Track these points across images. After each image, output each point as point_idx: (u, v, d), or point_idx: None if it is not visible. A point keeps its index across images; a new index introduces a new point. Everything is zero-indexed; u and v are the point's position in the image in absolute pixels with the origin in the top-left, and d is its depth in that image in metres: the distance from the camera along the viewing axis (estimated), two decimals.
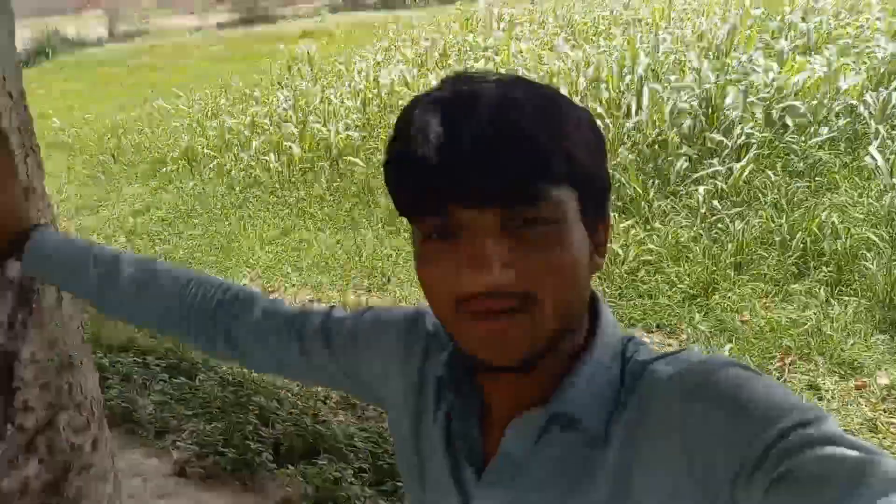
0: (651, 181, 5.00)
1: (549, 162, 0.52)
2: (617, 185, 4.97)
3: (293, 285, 4.37)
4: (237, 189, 6.17)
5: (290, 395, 3.13)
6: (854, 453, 0.45)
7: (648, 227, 4.61)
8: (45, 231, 0.90)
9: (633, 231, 4.50)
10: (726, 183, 4.79)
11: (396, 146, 0.55)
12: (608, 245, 0.62)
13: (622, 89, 6.27)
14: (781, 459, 0.46)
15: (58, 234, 0.91)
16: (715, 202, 4.64)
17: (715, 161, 5.04)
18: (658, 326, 3.83)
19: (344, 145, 6.42)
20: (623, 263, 4.27)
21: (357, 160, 6.04)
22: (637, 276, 4.19)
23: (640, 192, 4.82)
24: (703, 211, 4.62)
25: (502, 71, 0.61)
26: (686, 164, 5.07)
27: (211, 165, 6.71)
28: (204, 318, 0.83)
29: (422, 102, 0.55)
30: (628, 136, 5.65)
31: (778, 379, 3.27)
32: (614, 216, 4.70)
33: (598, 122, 0.63)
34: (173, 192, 6.40)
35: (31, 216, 0.95)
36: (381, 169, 0.58)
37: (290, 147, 6.47)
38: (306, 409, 3.02)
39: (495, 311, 0.53)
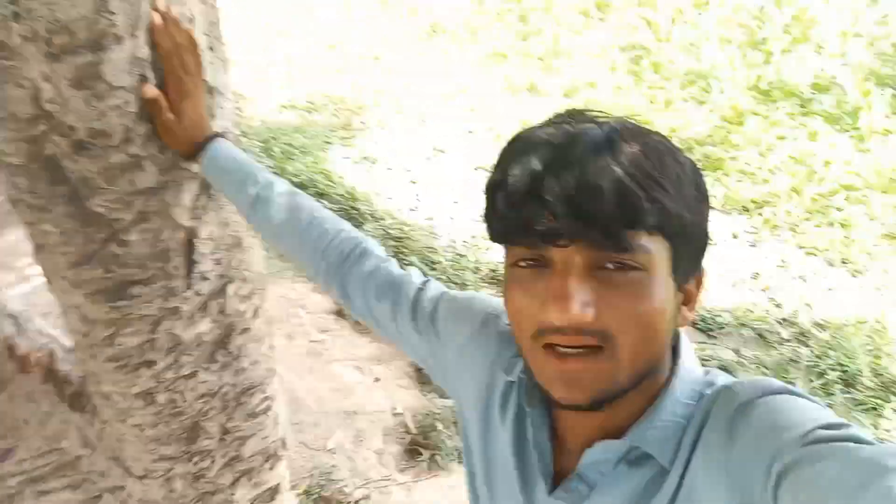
0: (882, 90, 4.28)
1: (641, 213, 0.52)
2: (837, 88, 4.32)
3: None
4: None
5: (443, 261, 3.31)
6: (871, 448, 0.44)
7: (862, 145, 4.02)
8: (220, 143, 1.00)
9: (840, 147, 3.95)
10: None
11: (496, 175, 0.58)
12: (699, 299, 0.62)
13: None
14: (797, 450, 0.47)
15: (230, 148, 1.01)
16: None
17: None
18: (843, 262, 3.46)
19: None
20: (821, 182, 3.82)
21: None
22: (831, 200, 3.74)
23: (864, 101, 4.16)
24: None
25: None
26: None
27: None
28: (328, 265, 0.91)
29: (526, 136, 0.57)
30: (869, 30, 4.78)
31: None
32: (826, 126, 4.14)
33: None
34: None
35: (212, 123, 1.05)
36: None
37: None
38: (454, 277, 3.20)
39: (571, 351, 0.55)
